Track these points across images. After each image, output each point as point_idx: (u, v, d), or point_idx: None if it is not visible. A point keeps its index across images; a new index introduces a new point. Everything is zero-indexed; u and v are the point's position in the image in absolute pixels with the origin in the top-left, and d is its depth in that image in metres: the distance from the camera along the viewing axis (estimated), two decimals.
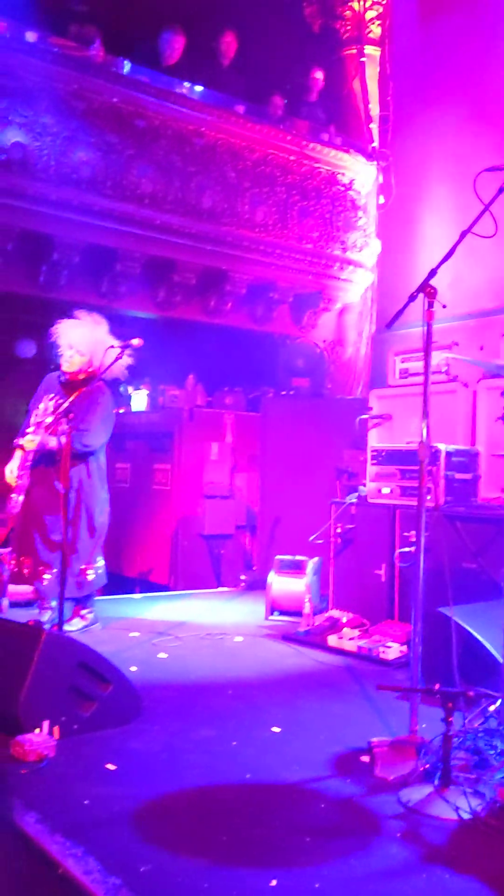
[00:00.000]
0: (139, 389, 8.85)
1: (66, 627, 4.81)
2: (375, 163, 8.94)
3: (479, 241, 3.36)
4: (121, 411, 8.61)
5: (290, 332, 9.23)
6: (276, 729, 3.56)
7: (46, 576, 4.99)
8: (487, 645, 3.77)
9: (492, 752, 3.10)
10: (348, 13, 9.39)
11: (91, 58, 7.32)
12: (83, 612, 5.30)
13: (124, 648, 4.85)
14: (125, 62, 7.46)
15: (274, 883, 2.25)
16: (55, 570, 4.86)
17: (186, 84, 7.85)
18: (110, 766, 3.05)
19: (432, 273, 3.30)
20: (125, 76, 7.46)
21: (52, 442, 4.90)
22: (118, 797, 2.78)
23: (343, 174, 9.00)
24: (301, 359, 8.57)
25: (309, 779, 3.01)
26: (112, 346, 4.89)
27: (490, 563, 4.40)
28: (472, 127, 7.22)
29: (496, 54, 7.07)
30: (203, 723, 3.61)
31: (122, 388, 8.86)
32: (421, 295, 3.28)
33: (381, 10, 9.22)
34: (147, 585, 7.71)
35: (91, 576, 5.17)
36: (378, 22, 9.25)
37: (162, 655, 4.78)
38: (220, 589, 7.53)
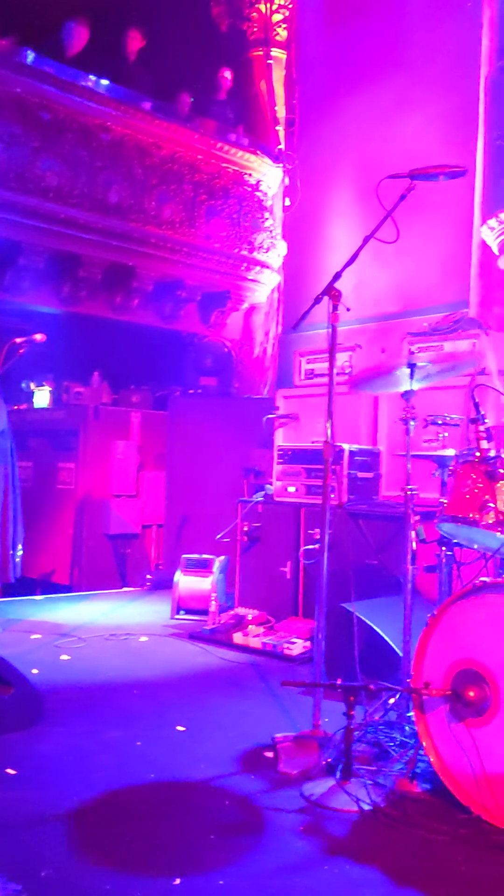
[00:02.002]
0: (42, 386, 8.67)
1: None
2: (282, 165, 9.04)
3: (383, 246, 3.44)
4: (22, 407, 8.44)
5: (197, 330, 9.22)
6: (181, 728, 3.56)
7: None
8: (388, 639, 3.88)
9: (391, 744, 3.20)
10: (255, 15, 9.45)
11: None
12: None
13: (26, 651, 4.75)
14: (28, 52, 7.29)
15: (178, 882, 2.25)
16: None
17: (92, 77, 7.74)
18: (10, 771, 2.99)
19: (337, 276, 3.37)
20: (29, 66, 7.28)
21: None
22: (20, 802, 2.73)
23: (250, 175, 9.05)
24: (209, 358, 8.58)
25: (214, 776, 3.03)
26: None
27: (391, 560, 4.53)
28: (376, 134, 7.39)
29: (402, 63, 7.26)
30: (108, 724, 3.57)
31: (23, 384, 8.67)
32: (326, 297, 3.34)
33: (287, 13, 9.31)
34: (49, 587, 7.57)
35: None
36: (284, 25, 9.34)
37: (65, 657, 4.71)
38: (126, 589, 7.46)
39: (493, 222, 5.51)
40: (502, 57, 5.94)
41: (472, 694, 2.72)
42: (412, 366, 3.36)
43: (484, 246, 5.91)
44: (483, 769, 2.66)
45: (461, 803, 2.71)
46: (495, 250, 5.68)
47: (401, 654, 3.55)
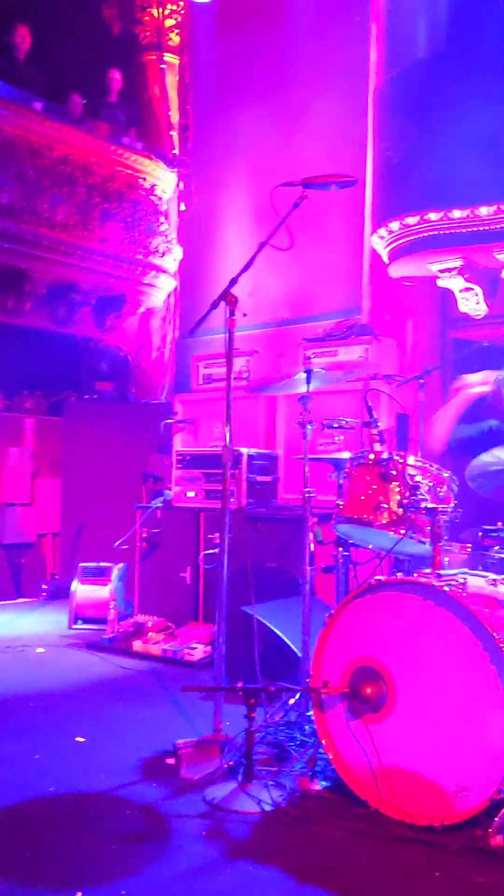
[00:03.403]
0: None
1: None
2: (176, 170, 9.03)
3: (278, 252, 3.50)
4: None
5: (93, 334, 9.09)
6: (81, 739, 3.50)
7: None
8: (287, 641, 3.93)
9: (292, 743, 3.24)
10: (147, 19, 9.42)
11: None
12: None
13: None
14: None
15: (79, 895, 2.22)
16: None
17: None
18: None
19: (233, 282, 3.40)
20: None
21: None
22: None
23: (144, 179, 9.00)
24: (104, 362, 8.47)
25: (115, 786, 2.99)
26: None
27: (290, 562, 4.59)
28: (269, 142, 7.49)
29: (293, 73, 7.39)
30: (5, 738, 3.48)
31: None
32: (223, 303, 3.36)
33: (179, 19, 9.32)
34: None
35: None
36: (177, 31, 9.35)
37: None
38: (21, 600, 7.28)
39: (382, 231, 5.66)
40: (390, 70, 6.12)
41: (368, 690, 2.78)
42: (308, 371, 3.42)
43: (375, 254, 6.07)
44: (380, 763, 2.73)
45: (360, 798, 2.77)
46: (385, 259, 5.85)
47: (300, 655, 3.60)
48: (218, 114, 8.38)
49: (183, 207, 9.06)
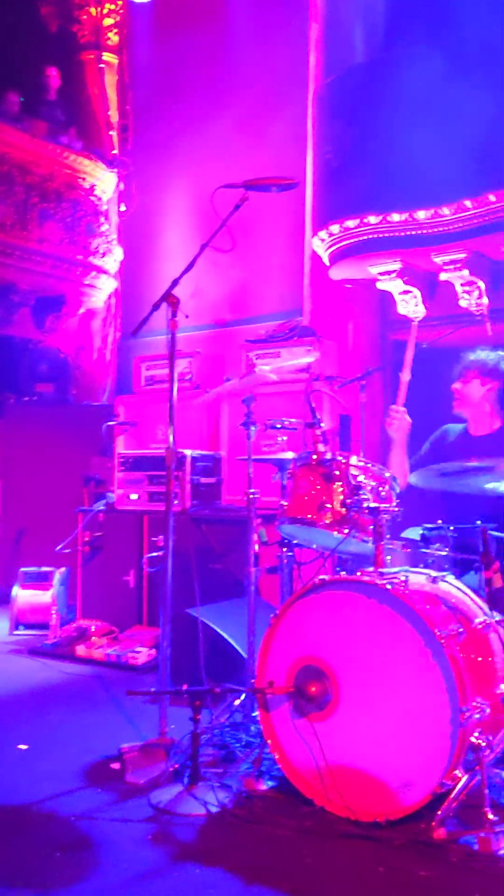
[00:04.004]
0: None
1: None
2: (116, 170, 8.96)
3: (220, 254, 3.50)
4: None
5: (32, 336, 8.95)
6: (23, 746, 3.44)
7: None
8: (232, 642, 3.93)
9: (238, 744, 3.24)
10: (85, 17, 9.32)
11: None
12: None
13: None
14: None
15: None
16: None
17: None
18: None
19: (174, 283, 3.39)
20: None
21: None
22: None
23: (84, 179, 8.91)
24: (44, 364, 8.36)
25: (59, 793, 2.95)
26: None
27: (234, 563, 4.59)
28: (210, 144, 7.49)
29: (233, 75, 7.40)
30: None
31: None
32: (165, 304, 3.35)
33: (118, 18, 9.25)
34: None
35: None
36: (115, 30, 9.27)
37: None
38: None
39: (323, 234, 5.71)
40: (329, 74, 6.17)
41: (313, 689, 2.80)
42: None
43: (316, 256, 6.12)
44: (325, 761, 2.75)
45: (305, 796, 2.78)
46: (326, 261, 5.90)
47: (245, 656, 3.60)
48: (158, 114, 8.35)
49: (123, 208, 8.99)
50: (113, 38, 9.33)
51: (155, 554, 4.90)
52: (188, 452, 5.15)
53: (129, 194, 8.87)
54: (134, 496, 5.36)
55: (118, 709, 3.99)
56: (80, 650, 4.98)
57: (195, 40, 7.78)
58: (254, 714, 3.35)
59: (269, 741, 2.90)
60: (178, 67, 8.01)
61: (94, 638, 5.11)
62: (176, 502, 4.78)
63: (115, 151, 9.10)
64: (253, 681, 3.20)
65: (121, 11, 9.23)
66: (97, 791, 2.97)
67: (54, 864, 2.42)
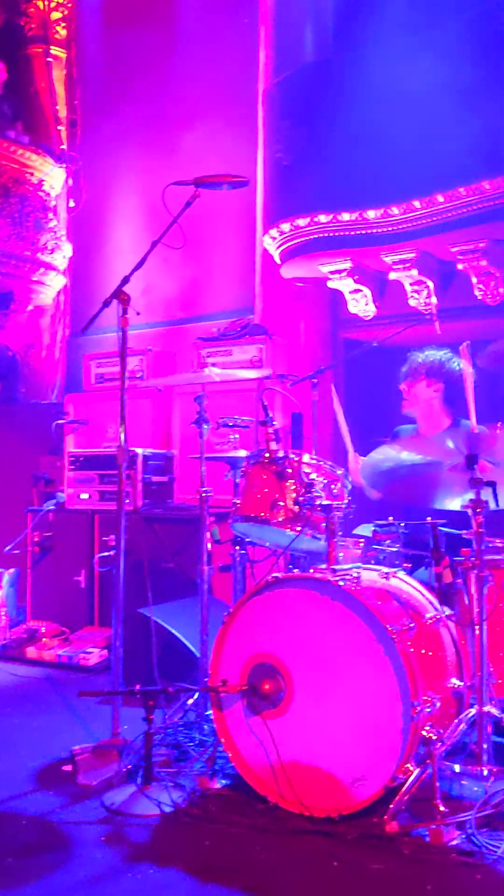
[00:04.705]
0: None
1: None
2: (65, 166, 8.85)
3: (171, 251, 3.48)
4: None
5: None
6: None
7: None
8: (185, 641, 3.92)
9: (191, 744, 3.24)
10: (32, 10, 9.18)
11: None
12: None
13: None
14: None
15: None
16: None
17: None
18: None
19: (125, 280, 3.36)
20: None
21: None
22: None
23: (32, 174, 8.76)
24: None
25: (9, 797, 2.91)
26: None
27: (187, 562, 4.57)
28: (160, 140, 7.44)
29: (182, 72, 7.36)
30: None
31: None
32: (115, 301, 3.32)
33: (66, 12, 9.13)
34: None
35: None
36: (63, 24, 9.15)
37: None
38: None
39: (274, 232, 5.72)
40: (279, 73, 6.18)
41: (267, 687, 2.81)
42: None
43: (267, 255, 6.13)
44: (279, 758, 2.75)
45: (259, 794, 2.79)
46: (277, 259, 5.91)
47: (199, 655, 3.60)
48: (107, 110, 8.26)
49: (72, 204, 8.88)
50: (61, 31, 9.20)
51: (106, 553, 4.85)
52: (140, 451, 5.11)
53: (79, 190, 8.76)
54: (85, 495, 5.31)
55: (70, 710, 3.95)
56: (31, 652, 4.92)
57: (145, 37, 7.73)
58: (207, 713, 3.34)
59: (222, 740, 2.90)
60: (127, 63, 7.94)
61: (44, 639, 5.05)
62: (127, 501, 4.74)
63: (63, 147, 8.98)
64: (206, 679, 3.19)
65: (69, 5, 9.11)
66: (49, 794, 2.94)
67: (6, 869, 2.39)
